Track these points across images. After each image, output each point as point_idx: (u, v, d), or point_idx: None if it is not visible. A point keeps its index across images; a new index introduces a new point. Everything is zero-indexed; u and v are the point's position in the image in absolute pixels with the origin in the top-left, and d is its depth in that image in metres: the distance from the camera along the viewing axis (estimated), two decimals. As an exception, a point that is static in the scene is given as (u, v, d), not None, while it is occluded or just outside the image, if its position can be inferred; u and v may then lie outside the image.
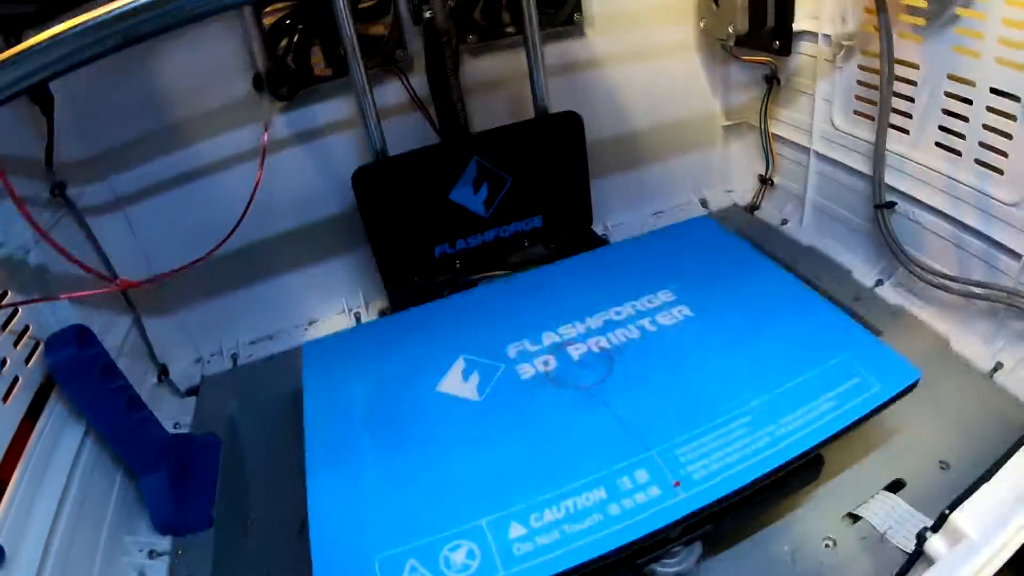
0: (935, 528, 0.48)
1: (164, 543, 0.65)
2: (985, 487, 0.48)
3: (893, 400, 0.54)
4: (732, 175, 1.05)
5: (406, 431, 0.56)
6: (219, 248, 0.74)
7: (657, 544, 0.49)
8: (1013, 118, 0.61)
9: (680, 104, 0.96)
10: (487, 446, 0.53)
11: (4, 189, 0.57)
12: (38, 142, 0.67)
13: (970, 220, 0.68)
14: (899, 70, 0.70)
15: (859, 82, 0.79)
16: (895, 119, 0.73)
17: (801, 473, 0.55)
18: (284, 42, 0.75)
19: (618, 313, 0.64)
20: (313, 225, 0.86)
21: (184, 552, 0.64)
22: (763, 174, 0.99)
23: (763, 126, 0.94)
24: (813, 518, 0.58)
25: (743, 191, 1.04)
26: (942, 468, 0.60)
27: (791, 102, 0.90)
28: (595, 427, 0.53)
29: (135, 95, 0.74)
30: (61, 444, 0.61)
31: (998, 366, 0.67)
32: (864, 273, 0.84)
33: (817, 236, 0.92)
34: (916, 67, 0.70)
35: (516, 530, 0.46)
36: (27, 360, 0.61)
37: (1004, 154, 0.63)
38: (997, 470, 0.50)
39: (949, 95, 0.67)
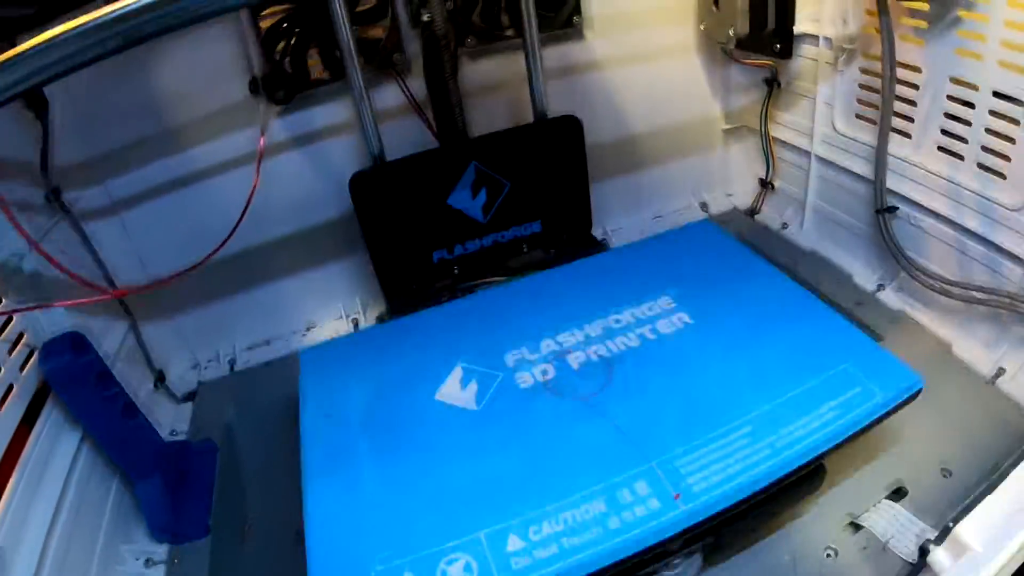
0: (938, 540, 0.48)
1: (160, 551, 0.64)
2: (989, 498, 0.48)
3: (896, 409, 0.54)
4: (732, 179, 1.04)
5: (403, 440, 0.56)
6: (215, 253, 0.73)
7: (656, 557, 0.48)
8: (1016, 122, 0.61)
9: (680, 107, 0.96)
10: (485, 456, 0.53)
11: (-3, 196, 0.57)
12: (33, 147, 0.67)
13: (972, 225, 0.67)
14: (901, 73, 0.70)
15: (860, 85, 0.78)
16: (897, 123, 0.73)
17: (803, 483, 0.54)
18: (281, 45, 0.74)
19: (617, 320, 0.64)
20: (310, 230, 0.86)
21: (180, 560, 0.63)
22: (763, 178, 0.99)
23: (763, 129, 0.93)
24: (814, 527, 0.57)
25: (743, 195, 1.04)
26: (944, 475, 0.59)
27: (792, 105, 0.90)
28: (594, 438, 0.53)
29: (131, 99, 0.73)
30: (57, 451, 0.61)
31: (1000, 371, 0.67)
32: (865, 277, 0.83)
33: (818, 240, 0.91)
34: (918, 70, 0.69)
35: (514, 543, 0.46)
36: (22, 367, 0.61)
37: (1007, 158, 0.63)
38: (1001, 480, 0.50)
39: (951, 98, 0.66)
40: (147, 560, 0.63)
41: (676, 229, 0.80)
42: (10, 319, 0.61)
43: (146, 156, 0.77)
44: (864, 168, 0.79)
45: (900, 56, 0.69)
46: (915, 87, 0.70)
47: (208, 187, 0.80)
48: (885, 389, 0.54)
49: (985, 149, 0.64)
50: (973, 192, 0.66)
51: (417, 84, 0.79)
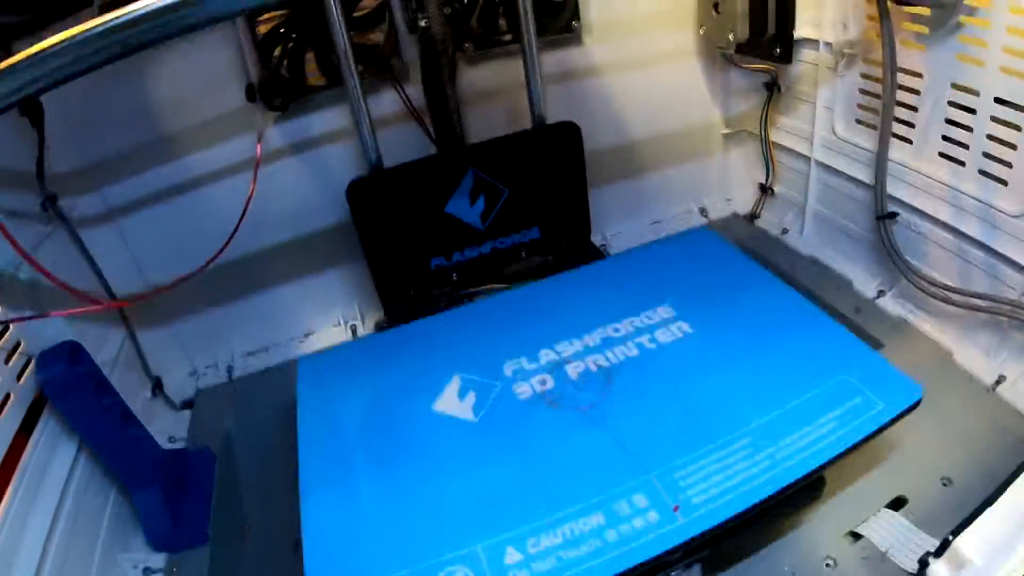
0: (938, 553, 0.47)
1: (159, 560, 0.64)
2: (988, 511, 0.48)
3: (896, 420, 0.53)
4: (732, 184, 1.04)
5: (401, 451, 0.55)
6: (213, 261, 0.73)
7: (655, 569, 0.48)
8: (1018, 128, 0.60)
9: (679, 112, 0.95)
10: (483, 468, 0.53)
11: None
12: (29, 154, 0.66)
13: (973, 231, 0.67)
14: (901, 78, 0.69)
15: (861, 90, 0.78)
16: (897, 128, 0.72)
17: (802, 493, 0.54)
18: (278, 51, 0.74)
19: (616, 330, 0.64)
20: (308, 236, 0.85)
21: (179, 569, 0.63)
22: (763, 183, 0.98)
23: (763, 134, 0.93)
24: (814, 537, 0.57)
25: (743, 200, 1.03)
26: (944, 484, 0.59)
27: (792, 110, 0.89)
28: (593, 449, 0.52)
29: (127, 105, 0.73)
30: (54, 460, 0.60)
31: (1001, 379, 0.66)
32: (865, 284, 0.83)
33: (818, 246, 0.91)
34: (919, 76, 0.69)
35: (512, 556, 0.46)
36: (19, 377, 0.60)
37: (1008, 165, 0.62)
38: (1001, 492, 0.50)
39: (952, 104, 0.66)
40: (145, 569, 0.63)
41: (675, 236, 0.80)
42: (7, 328, 0.60)
43: (142, 163, 0.76)
44: (865, 173, 0.79)
45: (901, 61, 0.68)
46: (916, 92, 0.70)
47: (205, 194, 0.79)
48: (885, 400, 0.53)
49: (986, 155, 0.64)
50: (974, 198, 0.66)
51: (415, 90, 0.79)
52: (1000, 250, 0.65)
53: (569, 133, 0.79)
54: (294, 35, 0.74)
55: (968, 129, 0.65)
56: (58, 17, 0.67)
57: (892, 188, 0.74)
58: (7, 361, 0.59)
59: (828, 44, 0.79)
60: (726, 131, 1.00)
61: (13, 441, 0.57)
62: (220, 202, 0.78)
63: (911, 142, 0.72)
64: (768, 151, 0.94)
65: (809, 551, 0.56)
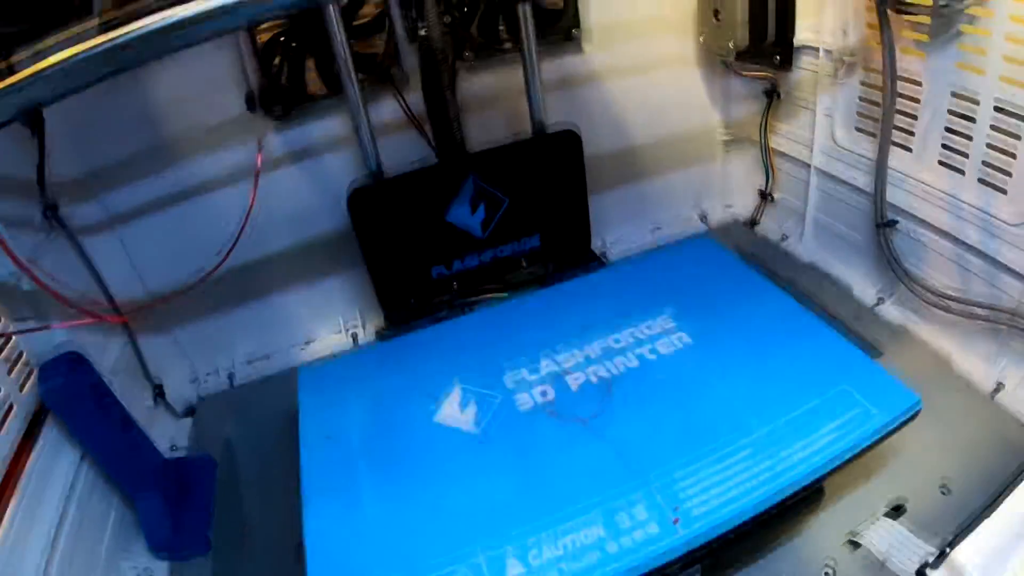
0: (936, 563, 0.48)
1: (161, 567, 0.64)
2: (986, 522, 0.48)
3: (895, 430, 0.54)
4: (732, 190, 1.04)
5: (402, 461, 0.56)
6: (213, 272, 0.73)
7: (654, 577, 0.48)
8: (1017, 137, 0.60)
9: (679, 118, 0.95)
10: (485, 479, 0.53)
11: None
12: (29, 162, 0.66)
13: (973, 239, 0.67)
14: (901, 86, 0.69)
15: (861, 98, 0.78)
16: (897, 136, 0.72)
17: (801, 501, 0.54)
18: (278, 59, 0.74)
19: (616, 340, 0.64)
20: (308, 243, 0.85)
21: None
22: (763, 189, 0.98)
23: (763, 141, 0.93)
24: (813, 544, 0.57)
25: (743, 206, 1.03)
26: (943, 491, 0.59)
27: (791, 117, 0.89)
28: (594, 460, 0.53)
29: (127, 113, 0.73)
30: (57, 469, 0.61)
31: (999, 386, 0.67)
32: (865, 290, 0.83)
33: (818, 252, 0.91)
34: (919, 83, 0.69)
35: (514, 567, 0.46)
36: (21, 387, 0.61)
37: (1008, 173, 0.62)
38: (999, 502, 0.50)
39: (952, 112, 0.66)
40: (148, 576, 0.64)
41: (675, 245, 0.81)
42: (9, 339, 0.60)
43: (143, 171, 0.76)
44: (864, 181, 0.79)
45: (901, 69, 0.68)
46: (916, 100, 0.70)
47: (205, 201, 0.79)
48: (884, 410, 0.54)
49: (986, 163, 0.64)
50: (974, 207, 0.66)
51: (415, 98, 0.79)
52: (999, 258, 0.65)
53: (569, 142, 0.79)
54: (294, 44, 0.73)
55: (968, 137, 0.65)
56: (56, 26, 0.67)
57: (892, 196, 0.75)
58: (10, 372, 0.60)
59: (828, 51, 0.78)
60: (726, 137, 1.00)
61: (16, 450, 0.57)
62: (220, 210, 0.78)
63: (911, 150, 0.72)
64: (768, 158, 0.94)
65: (808, 558, 0.56)
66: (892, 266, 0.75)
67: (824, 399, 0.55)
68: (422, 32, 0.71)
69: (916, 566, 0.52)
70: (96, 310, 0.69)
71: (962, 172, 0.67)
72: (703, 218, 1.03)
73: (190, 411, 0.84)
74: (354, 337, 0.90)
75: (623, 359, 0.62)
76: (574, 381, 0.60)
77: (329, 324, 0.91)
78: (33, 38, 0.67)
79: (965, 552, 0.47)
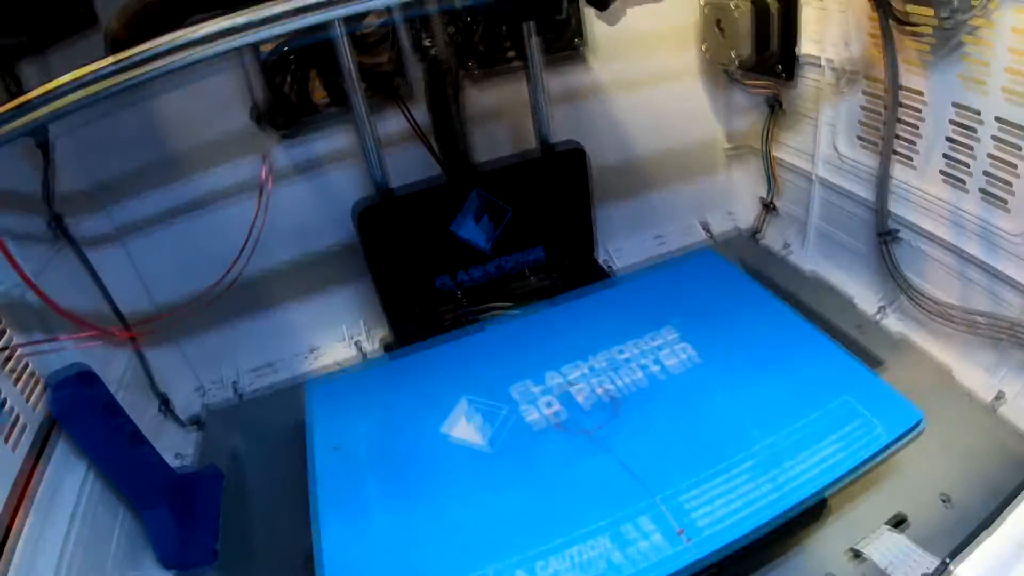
0: (938, 577, 0.48)
1: (169, 579, 0.65)
2: (986, 536, 0.48)
3: (896, 443, 0.54)
4: (734, 199, 1.04)
5: (412, 475, 0.56)
6: (218, 284, 0.73)
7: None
8: (1020, 150, 0.61)
9: (682, 129, 0.96)
10: (493, 492, 0.53)
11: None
12: (36, 176, 0.67)
13: (974, 251, 0.68)
14: (904, 98, 0.70)
15: (863, 109, 0.78)
16: (899, 147, 0.73)
17: (805, 514, 0.55)
18: (284, 74, 0.74)
19: (621, 353, 0.64)
20: (313, 256, 0.86)
21: (189, 588, 0.64)
22: (765, 199, 0.99)
23: (766, 151, 0.93)
24: (816, 555, 0.58)
25: (745, 216, 1.04)
26: (943, 503, 0.60)
27: (794, 127, 0.90)
28: (600, 473, 0.53)
29: (133, 127, 0.73)
30: (66, 482, 0.61)
31: (1000, 396, 0.67)
32: (867, 301, 0.83)
33: (820, 262, 0.91)
34: (921, 95, 0.69)
35: (522, 582, 0.46)
36: (28, 399, 0.61)
37: (1009, 185, 0.63)
38: (999, 516, 0.50)
39: (954, 124, 0.66)
40: (156, 588, 0.64)
41: (679, 257, 0.81)
42: (15, 352, 0.61)
43: (149, 184, 0.77)
44: (866, 191, 0.79)
45: (903, 81, 0.68)
46: (918, 112, 0.70)
47: (211, 213, 0.80)
48: (887, 425, 0.54)
49: (987, 176, 0.64)
50: (975, 218, 0.67)
51: (420, 110, 0.79)
52: (1000, 270, 0.65)
53: (574, 157, 0.80)
54: (299, 57, 0.74)
55: (969, 149, 0.65)
56: (61, 38, 0.67)
57: (894, 207, 0.75)
58: (18, 385, 0.60)
59: (831, 63, 0.79)
60: (728, 148, 1.01)
61: (26, 463, 0.58)
62: (226, 222, 0.78)
63: (913, 161, 0.73)
64: (770, 168, 0.94)
65: (811, 570, 0.56)
66: (894, 277, 0.76)
67: (827, 412, 0.56)
68: (427, 46, 0.71)
69: (917, 577, 0.52)
70: (103, 324, 0.70)
71: (964, 184, 0.67)
72: (706, 228, 1.04)
73: (196, 421, 0.84)
74: (359, 347, 0.91)
75: (629, 372, 0.62)
76: (580, 394, 0.61)
77: (334, 335, 0.92)
78: (37, 49, 0.67)
79: (965, 566, 0.47)
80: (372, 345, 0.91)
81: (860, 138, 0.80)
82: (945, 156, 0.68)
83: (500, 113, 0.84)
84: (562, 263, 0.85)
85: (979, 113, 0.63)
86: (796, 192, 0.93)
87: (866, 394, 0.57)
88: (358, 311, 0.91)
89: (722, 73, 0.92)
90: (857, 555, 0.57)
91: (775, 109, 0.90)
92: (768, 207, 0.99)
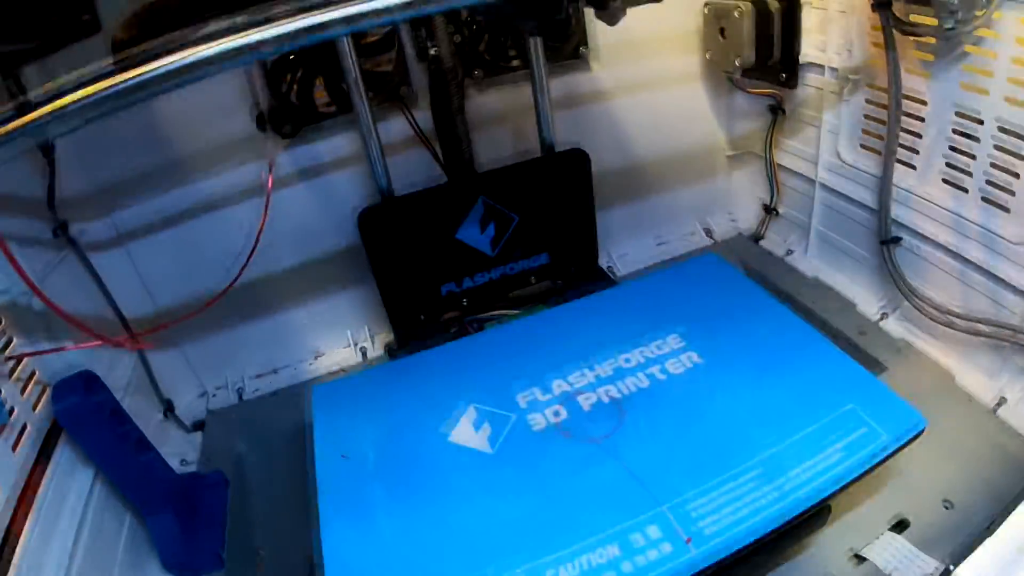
0: (941, 583, 0.49)
1: (174, 585, 0.65)
2: (989, 540, 0.49)
3: (900, 449, 0.55)
4: (736, 204, 1.04)
5: (418, 481, 0.56)
6: (228, 289, 0.74)
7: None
8: (1021, 157, 0.61)
9: (685, 134, 0.96)
10: (500, 499, 0.53)
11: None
12: (39, 181, 0.66)
13: (976, 256, 0.68)
14: (906, 105, 0.70)
15: (865, 115, 0.78)
16: (901, 153, 0.73)
17: (808, 522, 0.55)
18: (287, 78, 0.74)
19: (627, 360, 0.65)
20: (317, 259, 0.86)
21: (195, 595, 0.64)
22: (767, 204, 0.99)
23: (768, 156, 0.94)
24: (818, 560, 0.58)
25: (747, 220, 1.04)
26: (946, 507, 0.60)
27: (796, 133, 0.90)
28: (607, 481, 0.53)
29: (137, 132, 0.73)
30: (71, 489, 0.61)
31: (1002, 401, 0.68)
32: (869, 305, 0.84)
33: (822, 267, 0.92)
34: (924, 102, 0.69)
35: (530, 590, 0.47)
36: (34, 406, 0.61)
37: (1011, 192, 0.63)
38: (1002, 520, 0.51)
39: (956, 131, 0.67)
40: (162, 595, 0.64)
41: (682, 263, 0.81)
42: (22, 358, 0.61)
43: (152, 188, 0.76)
44: (869, 197, 0.80)
45: (906, 88, 0.69)
46: (920, 118, 0.70)
47: (215, 218, 0.80)
48: (890, 430, 0.55)
49: (989, 182, 0.65)
50: (977, 225, 0.67)
51: (423, 116, 0.79)
52: (1002, 275, 0.66)
53: (578, 160, 0.80)
54: (303, 63, 0.74)
55: (971, 156, 0.66)
56: (64, 44, 0.67)
57: (896, 212, 0.75)
58: (23, 391, 0.60)
59: (833, 69, 0.79)
60: (731, 152, 1.01)
61: (30, 469, 0.58)
62: (230, 227, 0.78)
63: (915, 167, 0.73)
64: (773, 173, 0.95)
65: (812, 573, 0.57)
66: (896, 282, 0.76)
67: (832, 418, 0.56)
68: (432, 51, 0.71)
69: (921, 581, 0.53)
70: (107, 329, 0.70)
71: (966, 190, 0.68)
72: (708, 233, 1.04)
73: (199, 425, 0.85)
74: (363, 352, 0.91)
75: (634, 378, 0.62)
76: (586, 401, 0.61)
77: (337, 338, 0.92)
78: (42, 55, 0.67)
79: (969, 569, 0.47)
80: (375, 350, 0.91)
81: (862, 144, 0.80)
82: (947, 162, 0.69)
83: (504, 118, 0.85)
84: (566, 268, 0.86)
85: (982, 121, 0.64)
86: (798, 196, 0.94)
87: (871, 400, 0.57)
88: (361, 315, 0.91)
89: (724, 78, 0.92)
90: (859, 558, 0.57)
91: (777, 114, 0.90)
92: (770, 211, 0.99)
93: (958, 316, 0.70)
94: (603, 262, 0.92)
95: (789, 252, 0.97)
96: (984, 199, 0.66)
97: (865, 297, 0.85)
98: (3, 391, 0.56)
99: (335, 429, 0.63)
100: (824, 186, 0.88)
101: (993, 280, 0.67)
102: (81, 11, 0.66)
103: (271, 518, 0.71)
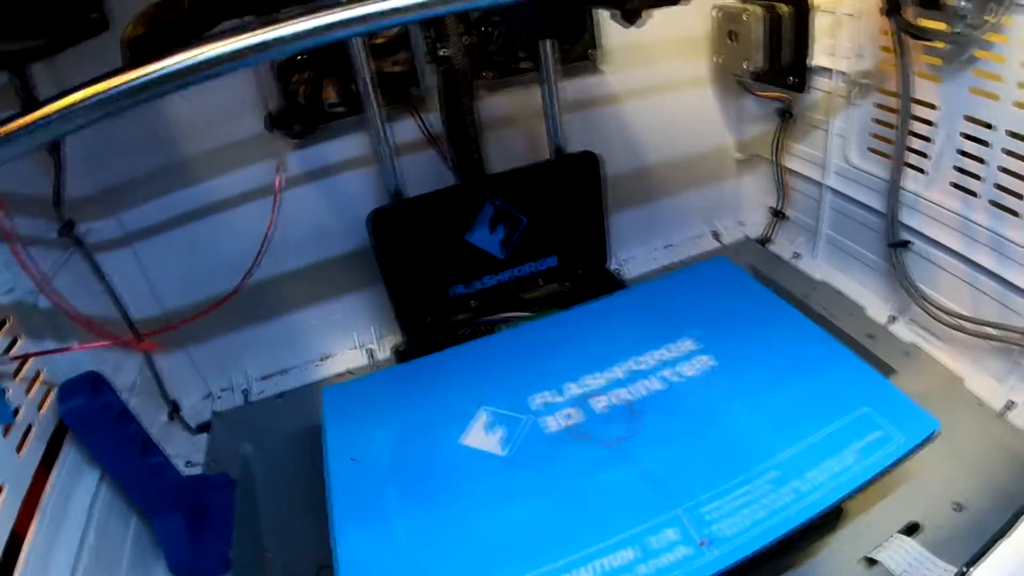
0: (957, 587, 0.49)
1: (181, 588, 0.64)
2: (1003, 542, 0.49)
3: (913, 452, 0.55)
4: (745, 208, 1.05)
5: (432, 485, 0.56)
6: (233, 294, 0.73)
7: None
8: (1030, 161, 0.62)
9: (693, 138, 0.96)
10: (514, 503, 0.53)
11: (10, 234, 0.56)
12: (45, 180, 0.66)
13: (985, 261, 0.68)
14: (916, 109, 0.70)
15: (875, 120, 0.79)
16: (911, 158, 0.73)
17: (822, 524, 0.55)
18: (296, 79, 0.74)
19: (640, 363, 0.64)
20: (325, 261, 0.85)
21: (201, 598, 0.63)
22: (775, 207, 0.99)
23: (776, 160, 0.94)
24: (830, 563, 0.58)
25: (755, 224, 1.04)
26: (956, 510, 0.60)
27: (805, 137, 0.90)
28: (622, 484, 0.53)
29: (144, 132, 0.72)
30: (77, 490, 0.60)
31: (1010, 404, 0.68)
32: (878, 309, 0.84)
33: (830, 271, 0.92)
34: (933, 107, 0.70)
35: (547, 594, 0.46)
36: (40, 406, 0.60)
37: (1021, 196, 0.64)
38: (1015, 522, 0.51)
39: (966, 136, 0.67)
40: (168, 599, 0.63)
41: (693, 266, 0.81)
42: (27, 358, 0.60)
43: (160, 189, 0.76)
44: (877, 201, 0.80)
45: (915, 93, 0.69)
46: (930, 124, 0.71)
47: (223, 219, 0.79)
48: (904, 433, 0.55)
49: (999, 187, 0.65)
50: (986, 229, 0.67)
51: (434, 118, 0.79)
52: (1011, 279, 0.66)
53: (588, 163, 0.80)
54: (314, 63, 0.73)
55: (981, 161, 0.66)
56: (72, 42, 0.67)
57: (905, 216, 0.76)
58: (28, 391, 0.59)
59: (843, 73, 0.80)
60: (739, 156, 1.01)
61: (37, 471, 0.57)
62: (237, 228, 0.78)
63: (924, 172, 0.73)
64: (781, 176, 0.95)
65: (825, 577, 0.57)
66: (905, 286, 0.77)
67: (846, 422, 0.56)
68: (443, 53, 0.71)
69: (933, 591, 0.53)
70: (113, 330, 0.69)
71: (975, 194, 0.68)
72: (716, 236, 1.04)
73: (204, 427, 0.84)
74: (370, 354, 0.90)
75: (648, 381, 0.62)
76: (599, 404, 0.61)
77: (345, 340, 0.91)
78: (49, 53, 0.66)
79: (984, 572, 0.47)
80: (383, 352, 0.90)
81: (871, 148, 0.81)
82: (956, 167, 0.69)
83: (514, 120, 0.84)
84: (575, 271, 0.85)
85: (991, 126, 0.64)
86: (806, 201, 0.94)
87: (884, 404, 0.57)
88: (369, 318, 0.91)
89: (734, 82, 0.93)
90: (870, 562, 0.57)
91: (786, 118, 0.90)
92: (778, 215, 0.99)
93: (967, 320, 0.71)
94: (611, 265, 0.92)
95: (797, 256, 0.97)
96: (993, 203, 0.66)
97: (874, 301, 0.85)
98: (8, 390, 0.55)
99: (347, 432, 0.62)
100: (833, 190, 0.88)
101: (1002, 284, 0.67)
102: (89, 9, 0.65)
103: (278, 520, 0.70)
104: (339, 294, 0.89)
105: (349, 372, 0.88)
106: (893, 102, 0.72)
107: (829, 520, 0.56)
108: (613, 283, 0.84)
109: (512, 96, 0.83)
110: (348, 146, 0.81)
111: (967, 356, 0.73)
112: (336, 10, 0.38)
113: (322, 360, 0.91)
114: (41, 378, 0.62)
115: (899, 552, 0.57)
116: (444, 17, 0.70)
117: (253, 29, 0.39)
